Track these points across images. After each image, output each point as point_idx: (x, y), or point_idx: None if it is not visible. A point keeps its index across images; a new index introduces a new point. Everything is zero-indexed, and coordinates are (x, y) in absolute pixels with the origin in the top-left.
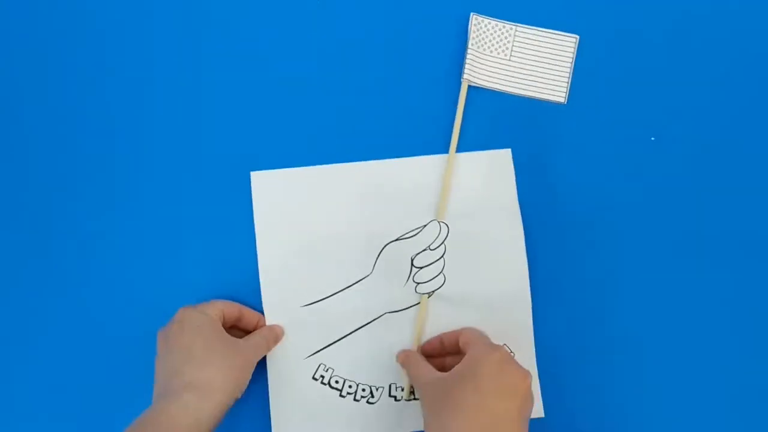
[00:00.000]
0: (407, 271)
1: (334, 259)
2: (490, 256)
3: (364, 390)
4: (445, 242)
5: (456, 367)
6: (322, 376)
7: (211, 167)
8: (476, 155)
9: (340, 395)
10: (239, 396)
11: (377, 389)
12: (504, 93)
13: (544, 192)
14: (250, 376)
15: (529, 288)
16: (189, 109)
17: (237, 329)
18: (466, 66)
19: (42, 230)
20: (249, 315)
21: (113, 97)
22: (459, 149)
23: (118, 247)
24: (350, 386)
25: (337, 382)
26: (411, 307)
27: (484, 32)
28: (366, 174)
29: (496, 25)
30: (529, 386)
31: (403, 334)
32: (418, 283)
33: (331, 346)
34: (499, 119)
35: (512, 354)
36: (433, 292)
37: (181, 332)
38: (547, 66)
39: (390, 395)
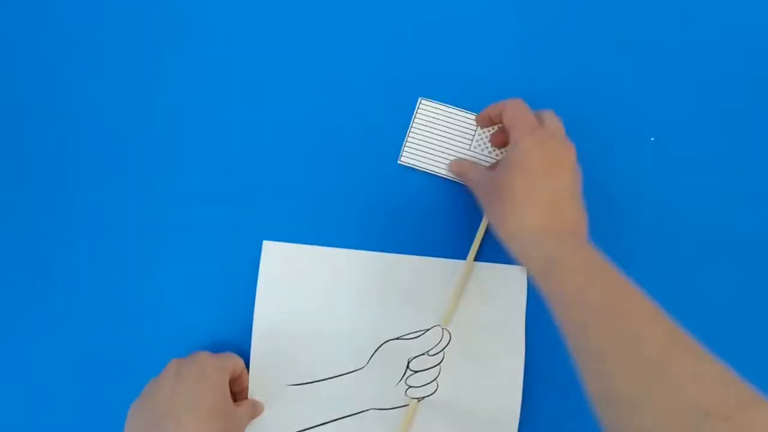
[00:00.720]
0: (401, 372)
1: (331, 345)
2: (487, 374)
3: None
4: (444, 350)
5: (502, 157)
6: None
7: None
8: (493, 267)
9: None
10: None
11: None
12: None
13: None
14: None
15: (518, 415)
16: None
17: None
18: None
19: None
20: (245, 378)
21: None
22: (477, 258)
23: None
24: None
25: None
26: (398, 407)
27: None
28: (379, 265)
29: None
30: (575, 159)
31: None
32: (410, 387)
33: (312, 430)
34: None
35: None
36: (423, 398)
37: (195, 378)
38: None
39: None
